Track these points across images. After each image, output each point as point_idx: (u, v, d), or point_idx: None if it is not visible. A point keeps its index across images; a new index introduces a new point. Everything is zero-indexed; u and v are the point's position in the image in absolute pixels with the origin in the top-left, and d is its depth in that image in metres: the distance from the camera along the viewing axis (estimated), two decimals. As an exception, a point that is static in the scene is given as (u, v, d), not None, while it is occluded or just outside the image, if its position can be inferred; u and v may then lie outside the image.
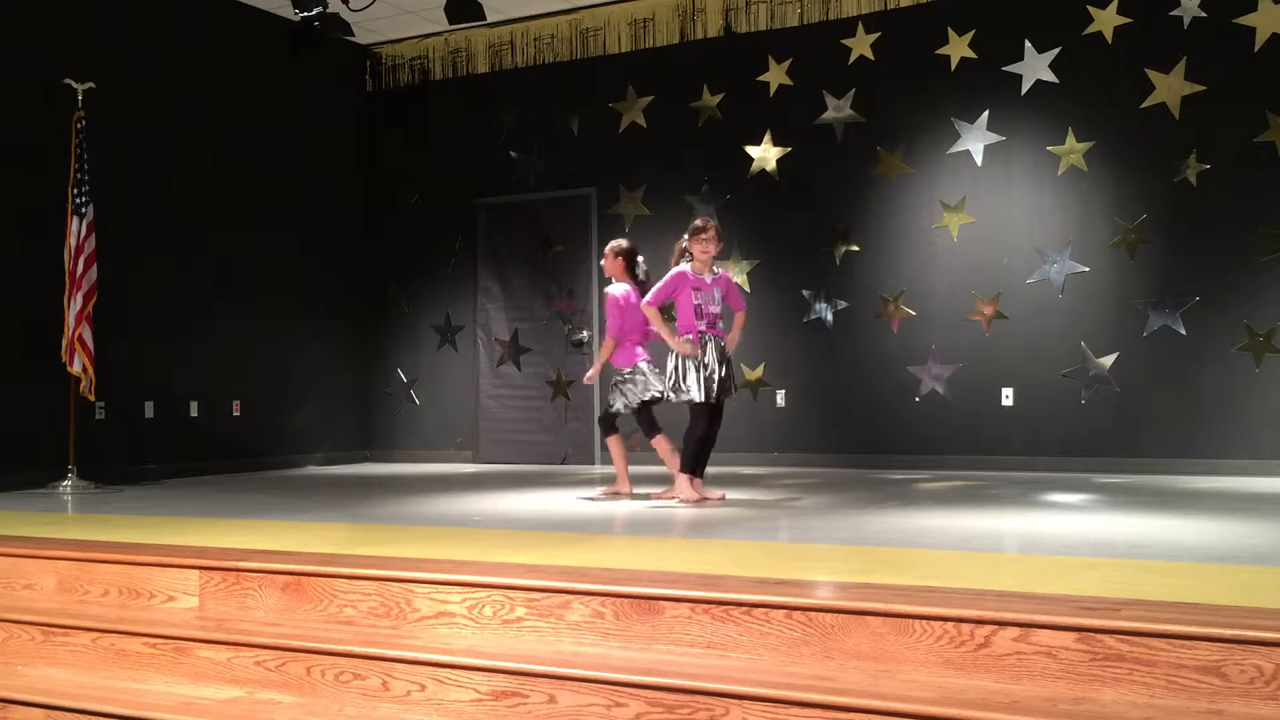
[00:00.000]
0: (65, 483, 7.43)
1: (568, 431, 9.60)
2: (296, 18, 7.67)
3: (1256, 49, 7.45)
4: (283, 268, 9.53)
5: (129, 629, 3.91)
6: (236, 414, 9.11)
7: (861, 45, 8.57)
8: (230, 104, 9.12)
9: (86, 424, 7.78)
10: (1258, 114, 7.42)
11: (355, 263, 10.32)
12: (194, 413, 8.78)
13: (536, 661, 3.26)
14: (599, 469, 9.06)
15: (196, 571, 4.05)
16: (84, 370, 7.49)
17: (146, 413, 8.43)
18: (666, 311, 6.35)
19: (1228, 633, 2.65)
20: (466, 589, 3.56)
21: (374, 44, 10.30)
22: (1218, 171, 7.55)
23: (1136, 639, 2.73)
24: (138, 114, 8.41)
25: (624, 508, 6.05)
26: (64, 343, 7.48)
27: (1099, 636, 2.76)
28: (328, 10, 7.55)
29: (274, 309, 9.43)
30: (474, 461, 9.88)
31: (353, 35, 8.57)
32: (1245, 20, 7.48)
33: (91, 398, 7.59)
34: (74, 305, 7.48)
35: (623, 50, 9.39)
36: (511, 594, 3.48)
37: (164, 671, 3.80)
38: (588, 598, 3.37)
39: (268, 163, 9.44)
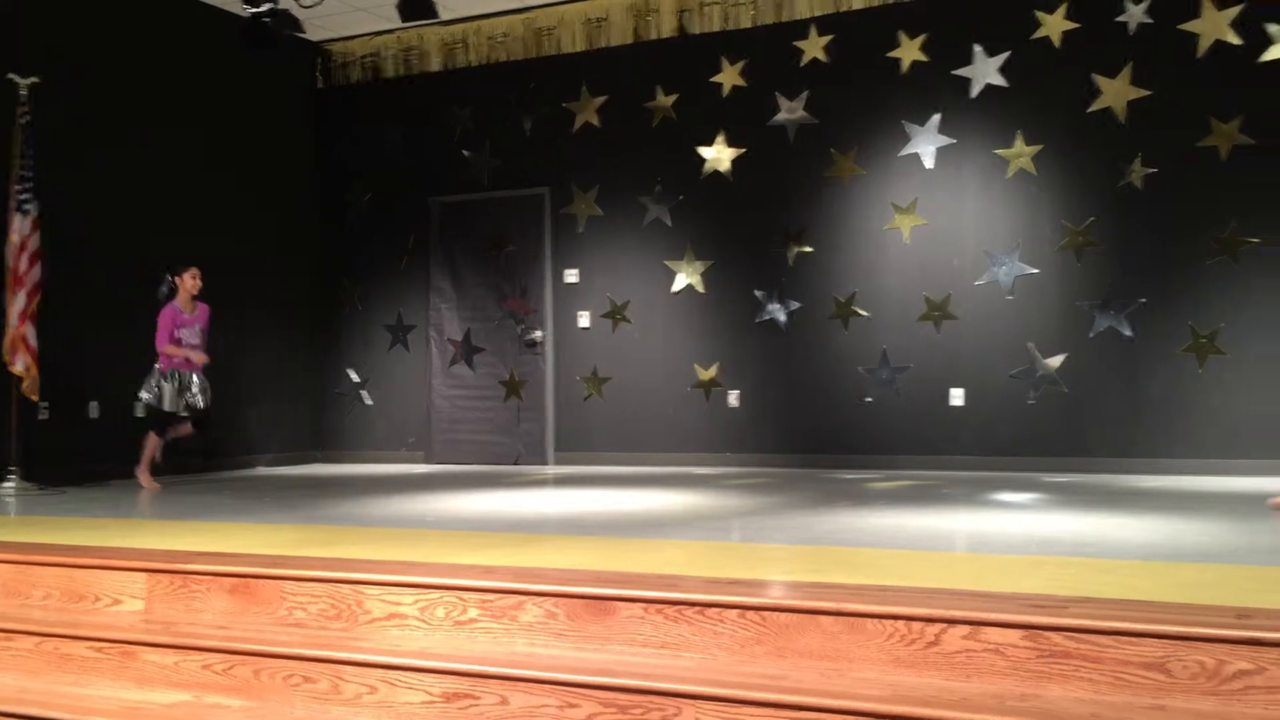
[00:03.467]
0: (8, 484, 7.29)
1: (520, 432, 9.57)
2: (246, 13, 7.59)
3: (1200, 55, 7.58)
4: (233, 266, 9.39)
5: (72, 633, 3.85)
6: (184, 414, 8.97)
7: (814, 47, 8.62)
8: (179, 101, 8.99)
9: (30, 425, 7.64)
10: (1201, 119, 7.55)
11: (306, 261, 10.22)
12: (141, 413, 8.63)
13: (489, 663, 3.24)
14: (552, 469, 9.05)
15: (143, 574, 4.00)
16: (26, 370, 7.36)
17: (91, 413, 8.29)
18: None
19: (1172, 630, 2.70)
20: (418, 590, 3.54)
21: (325, 41, 10.21)
22: (1163, 175, 7.67)
23: (1083, 636, 2.76)
24: (84, 110, 8.27)
25: (581, 507, 6.03)
26: (6, 341, 7.35)
27: (1046, 634, 2.79)
28: (278, 7, 7.48)
29: (223, 308, 9.27)
30: (426, 462, 9.82)
31: (303, 32, 8.51)
32: (1189, 27, 7.61)
33: (34, 398, 7.46)
34: (16, 303, 7.35)
35: (576, 50, 9.38)
36: (464, 595, 3.47)
37: (109, 676, 3.74)
38: (541, 598, 3.36)
39: (217, 160, 9.32)
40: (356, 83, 10.23)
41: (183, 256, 8.93)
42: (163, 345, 7.51)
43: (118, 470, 8.30)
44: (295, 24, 7.75)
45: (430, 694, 3.25)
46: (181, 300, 7.65)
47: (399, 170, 10.05)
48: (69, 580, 4.13)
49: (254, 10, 7.43)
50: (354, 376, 10.19)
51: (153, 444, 7.62)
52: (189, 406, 7.58)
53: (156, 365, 7.56)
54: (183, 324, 7.61)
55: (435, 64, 9.91)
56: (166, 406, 7.52)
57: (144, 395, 7.55)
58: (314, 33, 9.68)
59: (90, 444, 8.20)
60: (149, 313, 8.64)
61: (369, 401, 10.13)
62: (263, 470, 9.35)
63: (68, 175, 8.06)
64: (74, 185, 8.13)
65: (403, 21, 8.03)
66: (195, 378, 7.61)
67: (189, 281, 7.69)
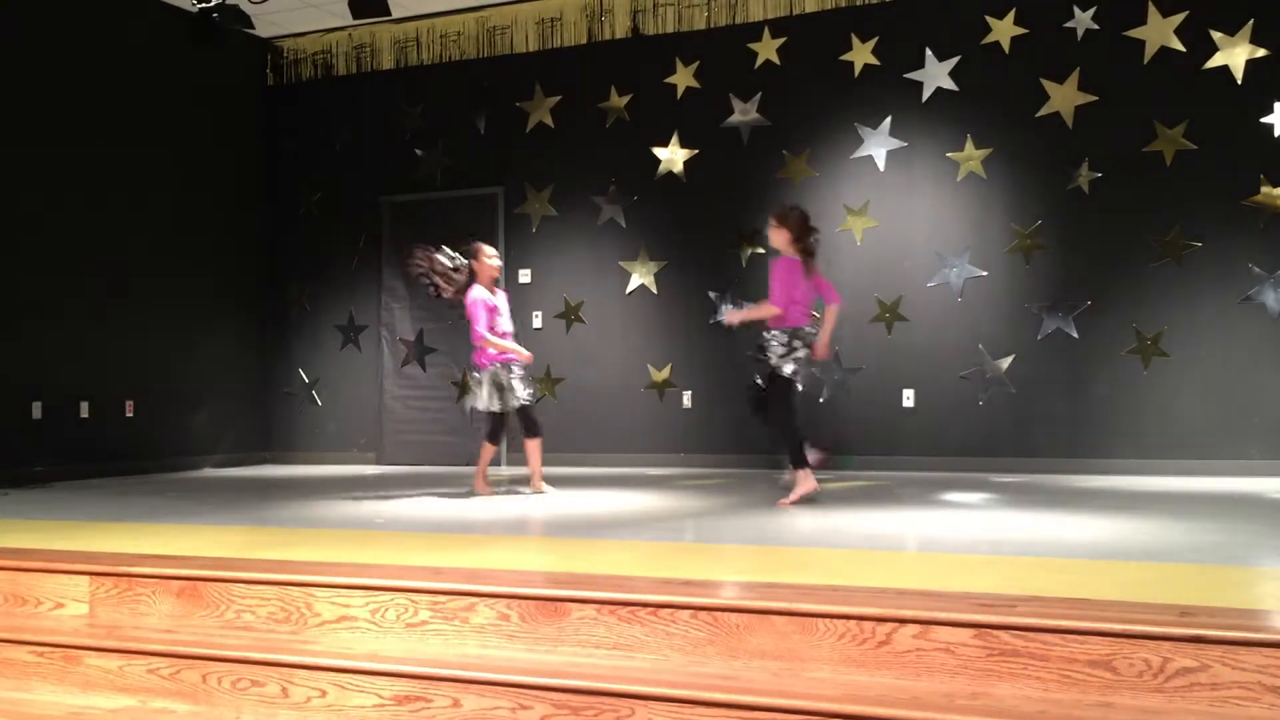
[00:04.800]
0: (-53, 486, 7.16)
1: (473, 433, 9.51)
2: (195, 8, 7.50)
3: (1146, 61, 7.70)
4: (180, 265, 9.29)
5: (14, 637, 3.78)
6: (130, 414, 8.86)
7: (767, 49, 8.66)
8: (126, 96, 8.85)
9: (-30, 425, 7.51)
10: (1147, 124, 7.67)
11: (255, 260, 10.11)
12: (85, 413, 8.50)
13: (441, 665, 3.22)
14: (505, 470, 9.01)
15: (86, 577, 3.93)
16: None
17: (34, 414, 8.14)
18: None
19: (1117, 627, 2.73)
20: (369, 592, 3.51)
21: (275, 37, 10.10)
22: (1109, 180, 7.79)
23: (1031, 635, 2.79)
24: (25, 104, 8.12)
25: (528, 507, 6.02)
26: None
27: (995, 632, 2.82)
28: (227, 2, 7.40)
29: (170, 306, 9.20)
30: (377, 463, 9.74)
31: (253, 28, 8.41)
32: (1135, 33, 7.73)
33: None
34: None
35: (530, 49, 9.35)
36: (415, 597, 3.44)
37: (51, 681, 3.68)
38: (493, 600, 3.34)
39: (165, 157, 9.19)
40: (307, 80, 10.13)
41: (127, 254, 8.83)
42: (480, 336, 6.49)
43: (60, 472, 8.18)
44: (245, 20, 7.66)
45: (381, 697, 3.23)
46: (484, 284, 6.64)
47: (350, 169, 9.97)
48: (11, 583, 4.05)
49: (202, 5, 7.34)
50: (304, 376, 10.10)
51: (486, 453, 6.76)
52: (512, 403, 6.55)
53: (475, 365, 6.63)
54: (495, 309, 6.66)
55: (387, 62, 9.84)
56: (481, 405, 6.56)
57: (472, 403, 6.65)
58: (264, 29, 9.57)
59: (33, 445, 8.07)
60: (93, 310, 8.55)
61: (319, 402, 10.04)
62: (210, 472, 9.24)
63: (8, 171, 7.92)
64: (15, 181, 7.99)
65: (354, 19, 7.96)
66: (516, 369, 6.59)
67: (487, 263, 6.66)
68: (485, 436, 6.78)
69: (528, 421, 6.66)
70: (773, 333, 5.98)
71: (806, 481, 5.91)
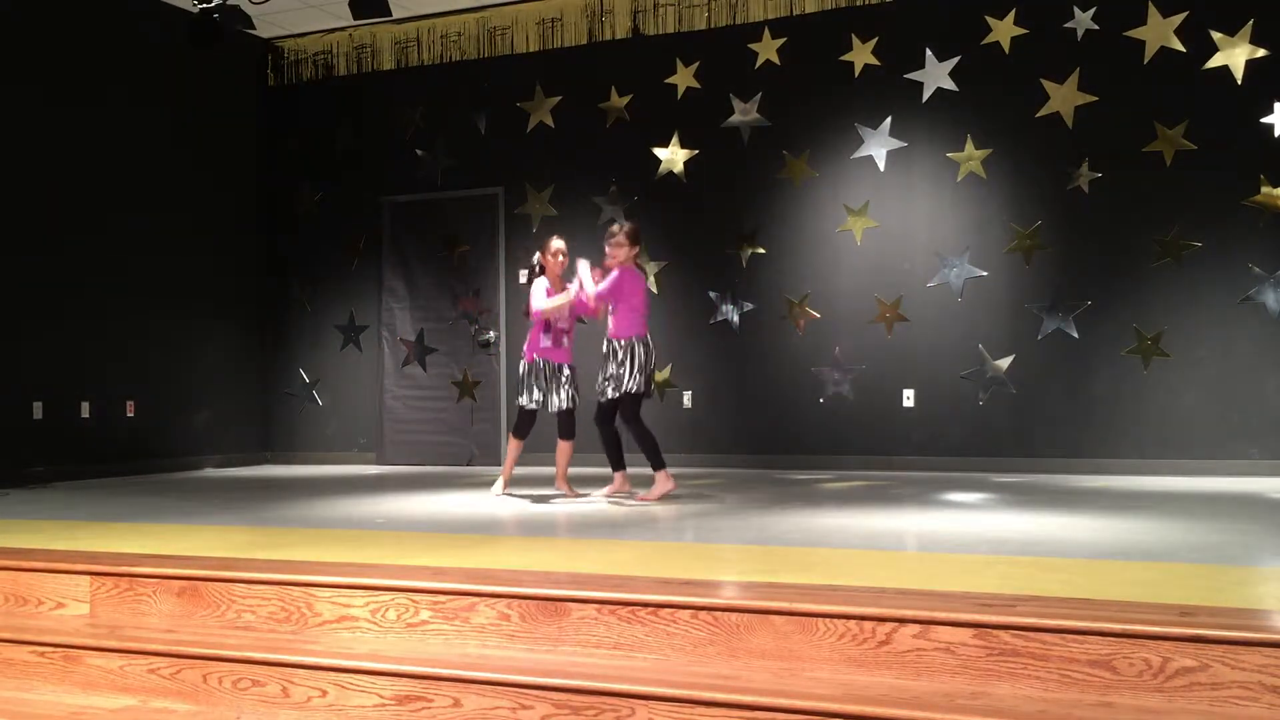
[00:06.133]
0: (-53, 486, 7.16)
1: (474, 433, 9.53)
2: (195, 8, 7.50)
3: (1146, 61, 7.70)
4: (181, 265, 9.30)
5: (15, 637, 3.78)
6: (131, 415, 8.86)
7: (768, 50, 8.66)
8: (127, 96, 8.86)
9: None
10: (1147, 124, 7.67)
11: (256, 260, 10.11)
12: (85, 414, 8.51)
13: (441, 665, 3.22)
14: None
15: (87, 577, 3.93)
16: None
17: (35, 414, 8.15)
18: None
19: (1117, 627, 2.73)
20: (369, 592, 3.51)
21: (276, 38, 10.11)
22: (1109, 180, 7.79)
23: (1031, 634, 2.79)
24: (27, 104, 8.13)
25: (529, 508, 6.02)
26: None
27: (995, 632, 2.82)
28: (228, 2, 7.40)
29: (171, 307, 9.20)
30: (378, 463, 9.75)
31: (254, 28, 8.41)
32: (1135, 33, 7.73)
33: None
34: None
35: (530, 50, 9.36)
36: (416, 597, 3.44)
37: (52, 680, 3.68)
38: (493, 600, 3.35)
39: (166, 158, 9.19)
40: (308, 80, 10.14)
41: (128, 255, 8.83)
42: (533, 311, 6.43)
43: (60, 472, 8.18)
44: (245, 20, 7.66)
45: (382, 697, 3.23)
46: (550, 279, 6.51)
47: (351, 169, 9.97)
48: (12, 583, 4.05)
49: (203, 5, 7.35)
50: (305, 377, 10.10)
51: (511, 450, 6.64)
52: (554, 403, 6.45)
53: (522, 361, 6.54)
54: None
55: (388, 62, 9.84)
56: (525, 403, 6.43)
57: (521, 399, 6.48)
58: (265, 29, 9.57)
59: (33, 446, 8.07)
60: (94, 311, 8.55)
61: (320, 402, 10.05)
62: (210, 472, 9.24)
63: (8, 172, 7.93)
64: (15, 182, 8.00)
65: (355, 19, 7.97)
66: (565, 370, 6.48)
67: (551, 261, 6.50)
68: (513, 430, 6.64)
69: (562, 423, 6.56)
70: (620, 341, 6.22)
71: (666, 482, 6.26)
